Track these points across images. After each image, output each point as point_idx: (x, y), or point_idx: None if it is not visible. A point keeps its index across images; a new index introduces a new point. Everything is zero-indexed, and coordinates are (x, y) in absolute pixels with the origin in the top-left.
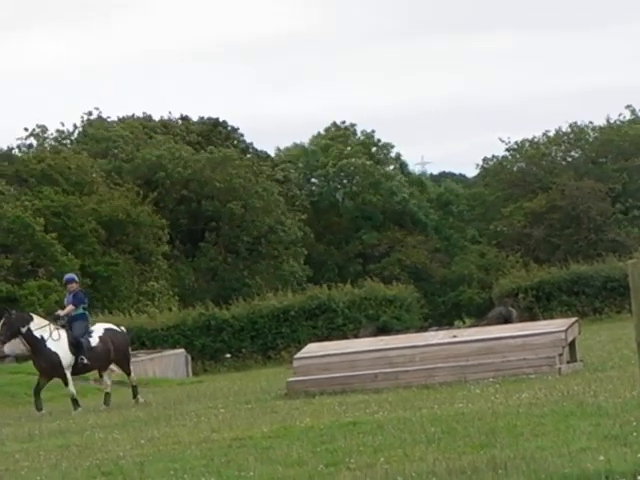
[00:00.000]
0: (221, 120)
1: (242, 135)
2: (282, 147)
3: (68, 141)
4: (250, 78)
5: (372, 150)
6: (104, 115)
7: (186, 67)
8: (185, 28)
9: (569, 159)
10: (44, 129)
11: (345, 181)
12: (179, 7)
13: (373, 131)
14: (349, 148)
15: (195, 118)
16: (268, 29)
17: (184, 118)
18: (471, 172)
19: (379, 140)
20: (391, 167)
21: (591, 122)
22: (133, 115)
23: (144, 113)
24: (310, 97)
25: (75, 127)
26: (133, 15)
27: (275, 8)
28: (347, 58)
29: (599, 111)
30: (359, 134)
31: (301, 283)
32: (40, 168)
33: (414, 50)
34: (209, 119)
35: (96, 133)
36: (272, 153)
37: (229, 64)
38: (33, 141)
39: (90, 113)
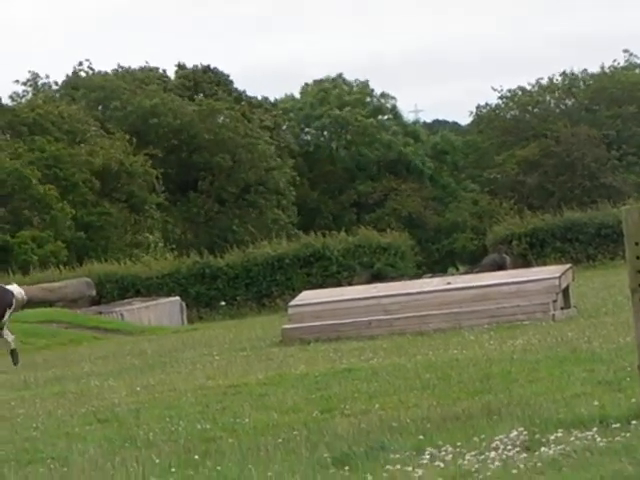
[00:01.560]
0: (212, 67)
1: (232, 82)
2: (272, 95)
3: (58, 94)
4: (236, 24)
5: (367, 100)
6: (94, 67)
7: (170, 13)
8: None
9: (562, 107)
10: (36, 77)
11: (341, 130)
12: None
13: (367, 80)
14: (346, 97)
15: (185, 65)
16: None
17: (179, 65)
18: (464, 120)
19: (372, 90)
20: (386, 117)
21: (585, 69)
22: (119, 66)
23: (138, 65)
24: (296, 45)
25: (67, 77)
26: None
27: None
28: (331, 3)
29: (593, 58)
30: (353, 84)
31: (287, 230)
32: (32, 117)
33: None
34: (199, 66)
35: (88, 83)
36: (263, 100)
37: (208, 8)
38: (27, 89)
39: (80, 64)
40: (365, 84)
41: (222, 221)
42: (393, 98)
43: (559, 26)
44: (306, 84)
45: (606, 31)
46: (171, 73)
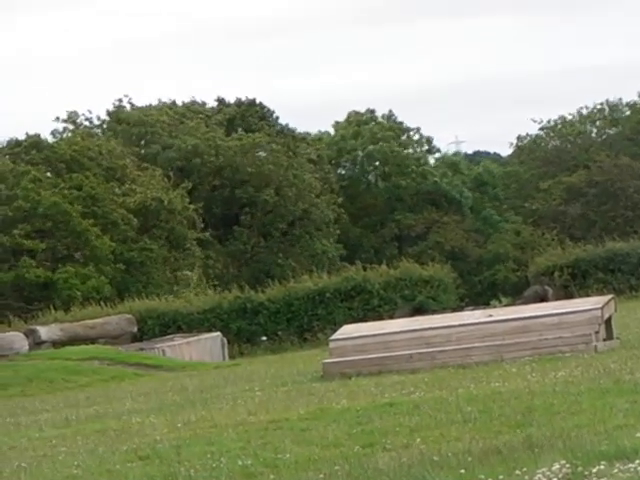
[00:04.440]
0: (257, 101)
1: (275, 116)
2: (305, 129)
3: (99, 129)
4: (265, 60)
5: (399, 134)
6: (134, 102)
7: (206, 50)
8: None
9: (604, 136)
10: (75, 115)
11: (377, 164)
12: None
13: (395, 116)
14: (378, 135)
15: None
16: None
17: (219, 100)
18: (505, 151)
19: (401, 123)
20: (419, 149)
21: (620, 99)
22: (159, 101)
23: (179, 100)
24: (331, 81)
25: (108, 112)
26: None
27: None
28: (365, 40)
29: (630, 87)
30: (380, 118)
31: (335, 263)
32: (70, 154)
33: (438, 30)
34: (245, 100)
35: (128, 117)
36: (305, 134)
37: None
38: (67, 125)
39: (120, 100)
40: (393, 119)
41: (266, 255)
42: (419, 129)
43: (595, 57)
44: (349, 114)
45: None
46: (211, 105)
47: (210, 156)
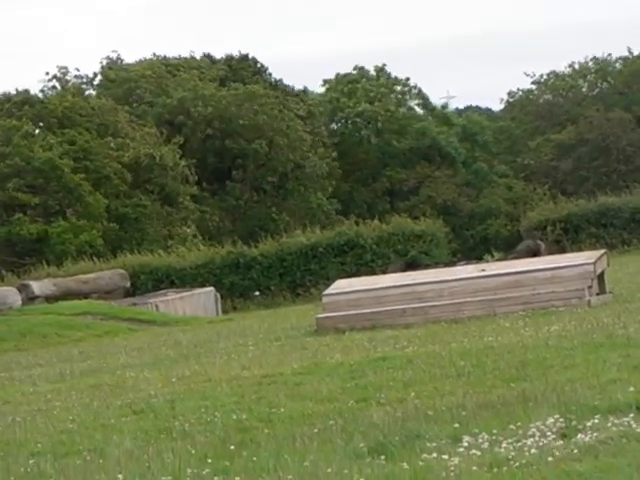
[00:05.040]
0: (250, 56)
1: (269, 73)
2: (298, 85)
3: (89, 86)
4: (264, 16)
5: (396, 89)
6: (124, 58)
7: (203, 4)
8: None
9: (596, 91)
10: (65, 71)
11: (370, 122)
12: None
13: (387, 70)
14: (372, 93)
15: (219, 56)
16: None
17: (208, 56)
18: (497, 106)
19: (396, 78)
20: (415, 102)
21: (610, 54)
22: (154, 55)
23: (165, 55)
24: (326, 36)
25: (95, 73)
26: None
27: None
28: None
29: (621, 43)
30: (373, 71)
31: (330, 217)
32: (61, 110)
33: None
34: (237, 55)
35: (117, 75)
36: (297, 90)
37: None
38: (56, 84)
39: (109, 57)
40: (390, 75)
41: (260, 210)
42: (416, 86)
43: (589, 13)
44: (337, 73)
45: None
46: (205, 59)
47: (198, 107)
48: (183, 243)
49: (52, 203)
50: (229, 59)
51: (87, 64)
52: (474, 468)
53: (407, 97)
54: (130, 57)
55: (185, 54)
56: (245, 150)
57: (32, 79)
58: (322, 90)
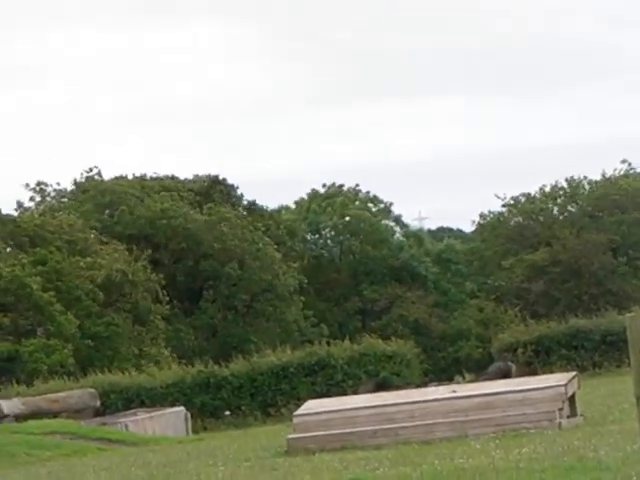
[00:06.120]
0: (220, 178)
1: (241, 194)
2: (272, 204)
3: (66, 199)
4: (229, 137)
5: (372, 209)
6: (103, 174)
7: (169, 126)
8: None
9: (566, 214)
10: (44, 185)
11: (348, 236)
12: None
13: (368, 191)
14: (355, 204)
15: (189, 176)
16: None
17: (172, 177)
18: (468, 227)
19: (375, 197)
20: (389, 223)
21: (585, 176)
22: (130, 176)
23: (140, 174)
24: (291, 157)
25: (74, 183)
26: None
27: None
28: (324, 120)
29: (594, 166)
30: (350, 193)
31: (304, 331)
32: (32, 228)
33: (403, 108)
34: (207, 177)
35: (97, 186)
36: (268, 207)
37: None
38: (35, 195)
39: (90, 170)
40: (365, 194)
41: (232, 329)
42: (391, 204)
43: (559, 135)
44: (313, 190)
45: (606, 140)
46: (178, 180)
47: (177, 219)
48: (154, 362)
49: (23, 322)
50: (200, 180)
51: (64, 178)
52: None
53: (381, 216)
54: (109, 173)
55: (160, 173)
56: (217, 272)
57: (6, 193)
58: (294, 207)
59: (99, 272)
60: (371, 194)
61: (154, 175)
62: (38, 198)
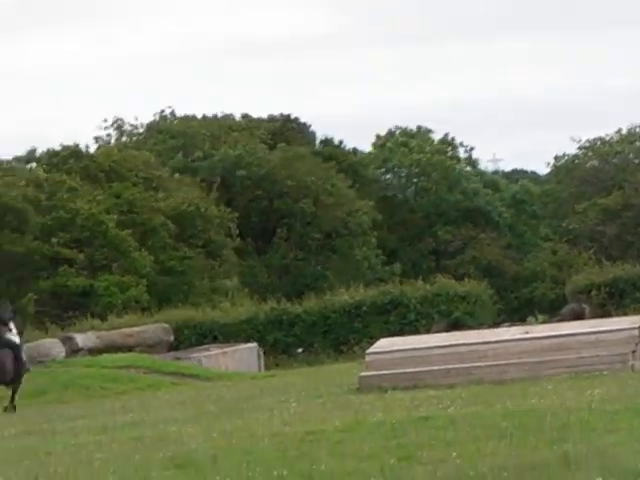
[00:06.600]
0: (292, 117)
1: (313, 132)
2: (350, 144)
3: (141, 137)
4: (307, 73)
5: (447, 150)
6: (177, 113)
7: (246, 64)
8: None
9: None
10: (121, 122)
11: (422, 178)
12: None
13: (446, 133)
14: (430, 146)
15: (263, 116)
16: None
17: (245, 117)
18: (542, 170)
19: (453, 138)
20: (463, 165)
21: None
22: (204, 116)
23: (216, 114)
24: (374, 94)
25: (147, 125)
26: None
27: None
28: (410, 56)
29: None
30: (425, 134)
31: (375, 269)
32: (109, 164)
33: (477, 50)
34: (281, 116)
35: (169, 128)
36: (344, 147)
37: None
38: (111, 132)
39: (163, 111)
40: (445, 136)
41: (306, 267)
42: (472, 148)
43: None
44: (391, 130)
45: None
46: (251, 120)
47: (252, 166)
48: (225, 297)
49: (98, 257)
50: (275, 120)
51: (141, 116)
52: None
53: (455, 159)
54: (183, 111)
55: (237, 114)
56: (292, 209)
57: (85, 130)
58: (370, 147)
59: (173, 206)
60: (449, 136)
61: (228, 114)
62: (115, 135)
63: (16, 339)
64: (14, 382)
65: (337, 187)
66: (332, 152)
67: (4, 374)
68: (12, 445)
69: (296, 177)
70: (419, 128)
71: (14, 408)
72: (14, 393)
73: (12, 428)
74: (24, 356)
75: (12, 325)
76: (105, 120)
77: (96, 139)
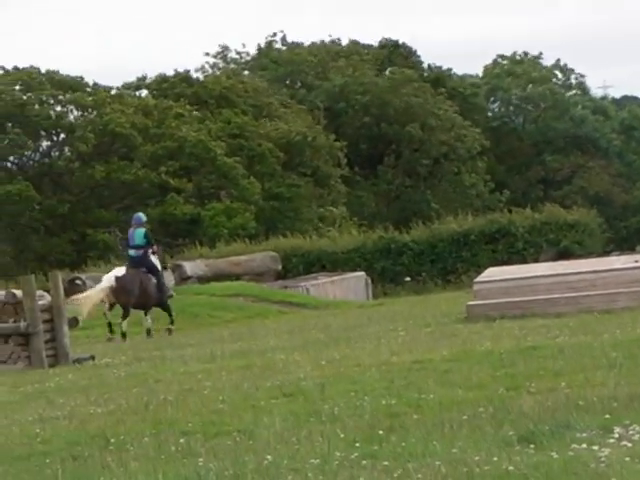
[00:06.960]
0: (400, 42)
1: (419, 56)
2: (457, 70)
3: (249, 64)
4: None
5: (557, 77)
6: (287, 39)
7: None
8: None
9: None
10: (227, 49)
11: (529, 106)
12: None
13: (558, 59)
14: (535, 74)
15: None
16: None
17: (353, 43)
18: None
19: (565, 65)
20: (574, 92)
21: None
22: (312, 42)
23: (330, 36)
24: (482, 21)
25: (256, 51)
26: None
27: None
28: None
29: None
30: (535, 61)
31: (483, 196)
32: (219, 90)
33: None
34: (388, 41)
35: (279, 56)
36: (452, 74)
37: None
38: (217, 61)
39: (274, 34)
40: (557, 62)
41: (414, 194)
42: (583, 76)
43: None
44: (499, 56)
45: None
46: (358, 45)
47: (357, 94)
48: (333, 225)
49: (206, 185)
50: (382, 46)
51: (249, 42)
52: (626, 459)
53: (568, 84)
54: (293, 37)
55: (344, 40)
56: (399, 134)
57: (191, 58)
58: (479, 72)
59: (282, 134)
60: (561, 62)
61: (335, 40)
62: (221, 64)
63: (158, 264)
64: (159, 306)
65: (445, 113)
66: (440, 77)
67: (148, 298)
68: (123, 372)
69: (404, 101)
70: (526, 54)
71: (169, 331)
72: (170, 316)
73: (123, 355)
74: (165, 281)
75: (155, 248)
76: (207, 53)
77: (201, 68)
